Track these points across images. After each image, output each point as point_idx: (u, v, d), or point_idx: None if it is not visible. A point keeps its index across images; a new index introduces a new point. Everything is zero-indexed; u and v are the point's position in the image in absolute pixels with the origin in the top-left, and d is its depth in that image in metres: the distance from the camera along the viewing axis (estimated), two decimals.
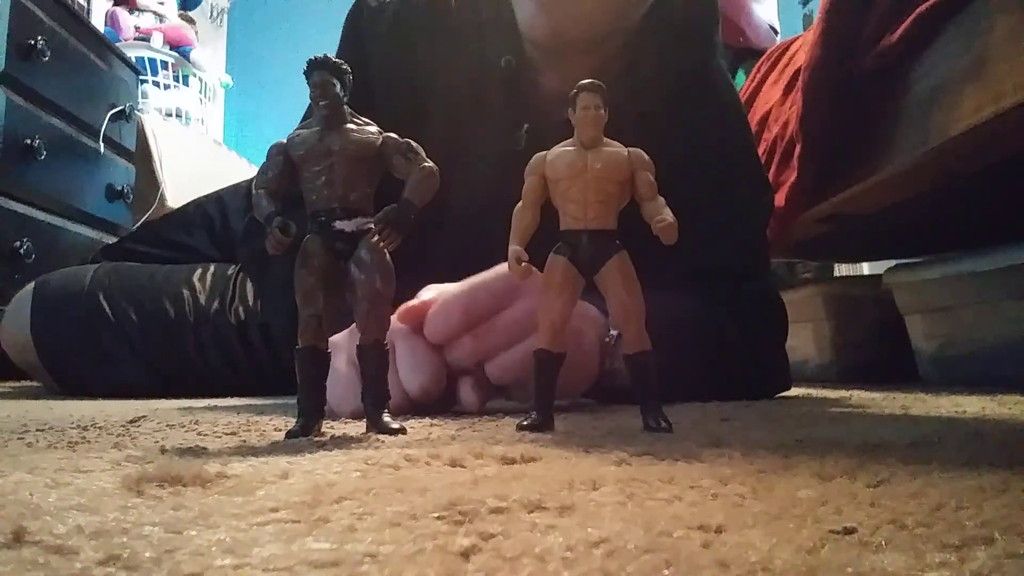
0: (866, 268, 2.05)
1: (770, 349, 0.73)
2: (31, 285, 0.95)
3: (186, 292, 0.93)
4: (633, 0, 0.69)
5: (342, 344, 0.49)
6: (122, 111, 1.80)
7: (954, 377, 1.02)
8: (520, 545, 0.16)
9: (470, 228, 0.71)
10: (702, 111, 0.74)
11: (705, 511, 0.20)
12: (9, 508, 0.20)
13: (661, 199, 0.39)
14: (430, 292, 0.52)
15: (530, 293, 0.50)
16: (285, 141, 0.38)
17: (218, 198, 1.15)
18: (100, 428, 0.43)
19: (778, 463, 0.28)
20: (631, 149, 0.40)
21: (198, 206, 1.16)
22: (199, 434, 0.40)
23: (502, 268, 0.52)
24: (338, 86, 0.37)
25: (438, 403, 0.51)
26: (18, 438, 0.38)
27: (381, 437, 0.36)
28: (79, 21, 1.68)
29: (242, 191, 1.15)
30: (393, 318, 0.45)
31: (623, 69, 0.70)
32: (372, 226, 0.37)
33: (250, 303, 0.92)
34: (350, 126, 0.38)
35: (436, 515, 0.19)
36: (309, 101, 0.38)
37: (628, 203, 0.40)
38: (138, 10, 2.36)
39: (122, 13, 2.28)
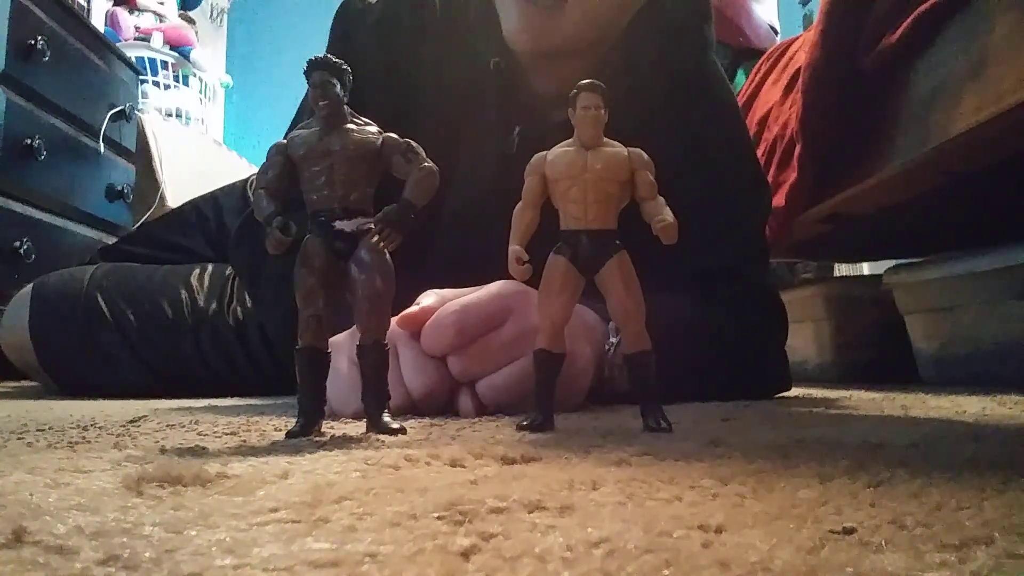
0: (866, 268, 2.05)
1: (770, 349, 0.73)
2: (30, 286, 0.95)
3: (184, 293, 0.93)
4: (617, 10, 0.69)
5: (343, 344, 0.49)
6: (122, 111, 1.80)
7: (954, 377, 1.02)
8: (520, 545, 0.16)
9: (466, 229, 0.71)
10: (699, 110, 0.74)
11: (705, 511, 0.20)
12: (9, 508, 0.20)
13: (661, 199, 0.39)
14: (430, 297, 0.52)
15: (521, 313, 0.50)
16: (285, 141, 0.38)
17: (213, 199, 1.15)
18: (100, 428, 0.43)
19: (778, 463, 0.28)
20: (631, 149, 0.40)
21: (194, 207, 1.16)
22: (199, 434, 0.40)
23: (495, 286, 0.52)
24: (338, 86, 0.37)
25: (439, 406, 0.51)
26: (18, 438, 0.38)
27: (381, 437, 0.36)
28: (79, 21, 1.68)
29: (237, 191, 1.15)
30: (393, 322, 0.45)
31: (618, 70, 0.70)
32: (372, 226, 0.37)
33: (248, 304, 0.92)
34: (350, 126, 0.38)
35: (436, 515, 0.19)
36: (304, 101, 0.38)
37: (628, 203, 0.40)
38: (138, 10, 2.36)
39: (122, 13, 2.28)
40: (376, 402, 0.38)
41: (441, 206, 0.70)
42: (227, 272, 0.97)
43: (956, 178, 0.83)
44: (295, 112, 0.77)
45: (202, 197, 1.18)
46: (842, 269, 2.03)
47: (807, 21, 2.29)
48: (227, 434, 0.40)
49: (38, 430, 0.42)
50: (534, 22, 0.65)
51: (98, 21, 2.20)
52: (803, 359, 1.33)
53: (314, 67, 0.37)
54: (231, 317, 0.92)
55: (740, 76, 1.69)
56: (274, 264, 0.58)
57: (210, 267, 0.98)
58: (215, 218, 1.12)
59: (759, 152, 1.10)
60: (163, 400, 0.77)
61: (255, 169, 1.62)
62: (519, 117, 0.70)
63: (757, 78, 1.31)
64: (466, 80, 0.71)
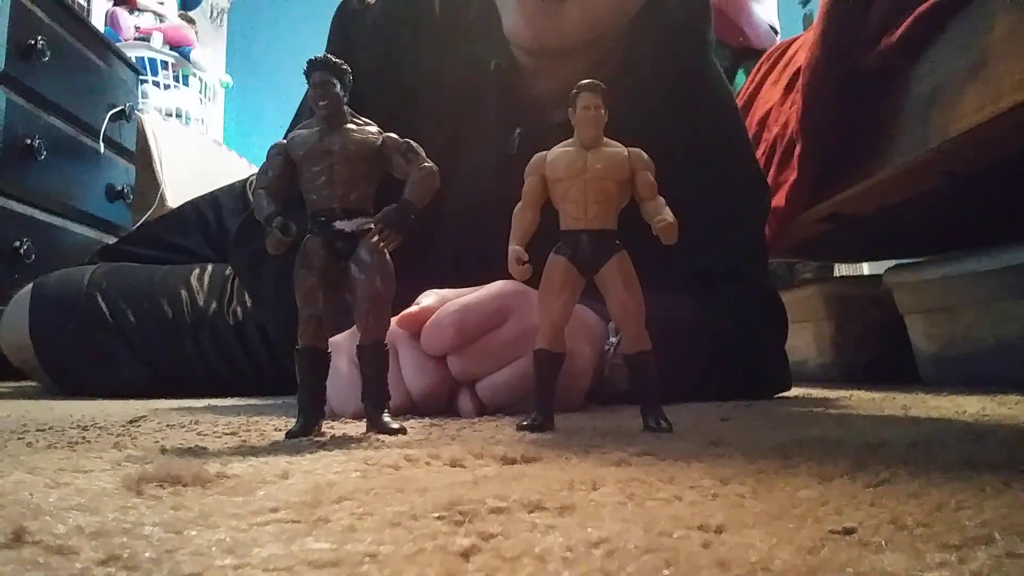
0: (866, 268, 2.05)
1: (770, 349, 0.73)
2: (30, 286, 0.95)
3: (184, 293, 0.93)
4: (618, 9, 0.69)
5: (343, 344, 0.49)
6: (122, 111, 1.80)
7: (954, 377, 1.02)
8: (520, 545, 0.16)
9: (466, 230, 0.71)
10: (698, 111, 0.74)
11: (705, 511, 0.20)
12: (9, 508, 0.20)
13: (661, 199, 0.39)
14: (430, 298, 0.52)
15: (521, 313, 0.50)
16: (285, 141, 0.38)
17: (213, 199, 1.15)
18: (100, 428, 0.43)
19: (778, 463, 0.28)
20: (631, 149, 0.40)
21: (194, 207, 1.16)
22: (199, 434, 0.40)
23: (495, 286, 0.52)
24: (338, 86, 0.37)
25: (439, 406, 0.51)
26: (18, 438, 0.38)
27: (381, 437, 0.36)
28: (79, 21, 1.68)
29: (237, 191, 1.15)
30: (393, 322, 0.45)
31: (618, 70, 0.70)
32: (372, 226, 0.37)
33: (248, 304, 0.92)
34: (350, 126, 0.38)
35: (436, 515, 0.19)
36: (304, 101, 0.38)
37: (628, 203, 0.40)
38: (138, 10, 2.36)
39: (122, 13, 2.28)
40: (376, 402, 0.38)
41: (441, 206, 0.70)
42: (227, 272, 0.97)
43: (956, 178, 0.83)
44: (295, 112, 0.77)
45: (202, 197, 1.18)
46: (842, 269, 2.03)
47: (807, 21, 2.29)
48: (227, 434, 0.40)
49: (38, 430, 0.42)
50: (535, 18, 0.66)
51: (98, 21, 2.20)
52: (803, 359, 1.32)
53: (314, 67, 0.37)
54: (231, 317, 0.92)
55: (740, 76, 1.69)
56: (274, 264, 0.58)
57: (210, 267, 0.98)
58: (215, 218, 1.12)
59: (759, 152, 1.10)
60: (163, 400, 0.77)
61: (255, 169, 1.63)
62: (519, 118, 0.70)
63: (757, 78, 1.31)
64: (466, 81, 0.71)
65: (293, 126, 0.75)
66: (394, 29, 0.73)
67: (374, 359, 0.38)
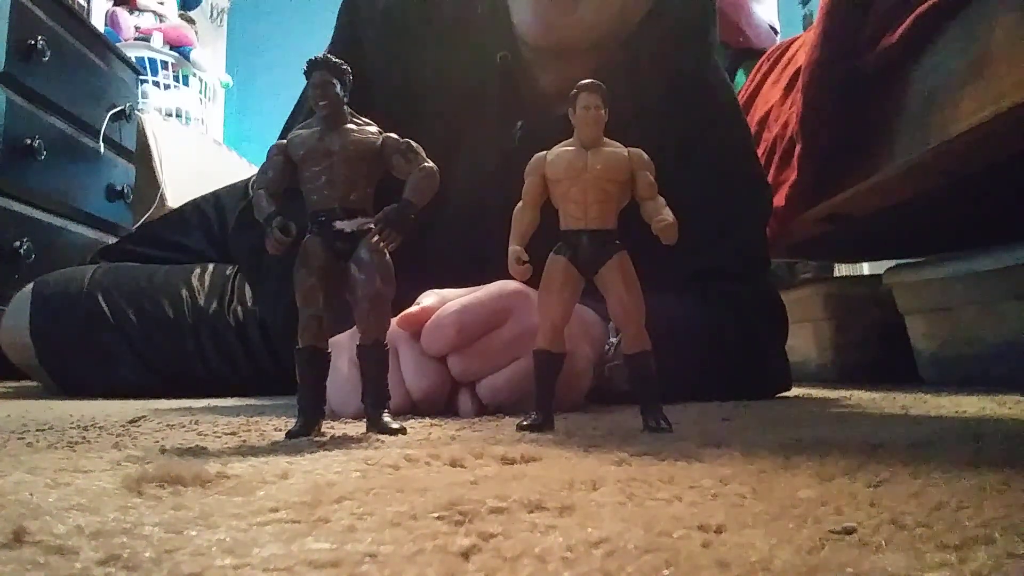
0: (866, 268, 2.05)
1: (770, 349, 0.73)
2: (30, 286, 0.95)
3: (185, 292, 0.93)
4: (629, 7, 0.69)
5: (344, 344, 0.49)
6: (122, 111, 1.80)
7: (954, 377, 1.02)
8: (520, 545, 0.16)
9: (466, 223, 0.71)
10: (700, 111, 0.74)
11: (705, 511, 0.20)
12: (9, 508, 0.20)
13: (661, 199, 0.39)
14: (430, 298, 0.52)
15: (521, 312, 0.50)
16: (285, 141, 0.38)
17: (215, 198, 1.15)
18: (100, 428, 0.43)
19: (778, 463, 0.28)
20: (631, 149, 0.40)
21: (195, 207, 1.15)
22: (199, 434, 0.40)
23: (496, 286, 0.52)
24: (338, 86, 0.37)
25: (439, 406, 0.51)
26: (18, 438, 0.38)
27: (381, 437, 0.36)
28: (79, 21, 1.68)
29: (239, 191, 1.15)
30: (394, 322, 0.45)
31: (622, 69, 0.70)
32: (372, 226, 0.37)
33: (249, 303, 0.92)
34: (350, 126, 0.38)
35: (436, 515, 0.19)
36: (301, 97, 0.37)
37: (628, 203, 0.40)
38: (138, 10, 2.36)
39: (122, 13, 2.28)
40: (376, 402, 0.38)
41: (443, 203, 0.70)
42: (228, 272, 0.97)
43: (956, 178, 0.83)
44: (292, 111, 0.77)
45: (203, 197, 1.17)
46: (842, 269, 2.03)
47: (807, 21, 2.29)
48: (227, 434, 0.40)
49: (38, 430, 0.42)
50: (547, 15, 0.66)
51: (98, 21, 2.20)
52: (803, 359, 1.32)
53: (314, 67, 0.37)
54: (232, 317, 0.92)
55: (740, 76, 1.69)
56: (275, 258, 0.58)
57: (211, 267, 0.98)
58: (217, 217, 1.12)
59: (759, 152, 1.10)
60: (163, 400, 0.77)
61: (255, 169, 1.62)
62: (522, 111, 0.70)
63: (757, 78, 1.31)
64: (471, 74, 0.71)
65: (289, 124, 0.75)
66: (402, 20, 0.73)
67: (374, 359, 0.38)
